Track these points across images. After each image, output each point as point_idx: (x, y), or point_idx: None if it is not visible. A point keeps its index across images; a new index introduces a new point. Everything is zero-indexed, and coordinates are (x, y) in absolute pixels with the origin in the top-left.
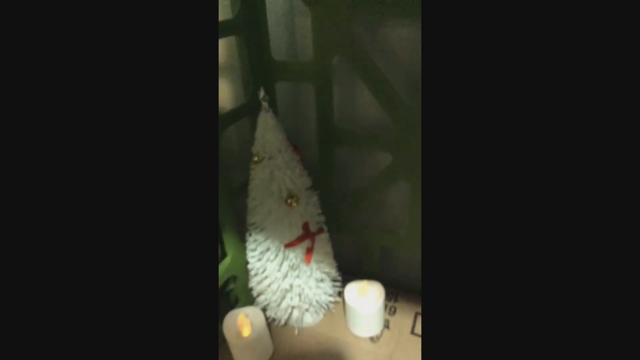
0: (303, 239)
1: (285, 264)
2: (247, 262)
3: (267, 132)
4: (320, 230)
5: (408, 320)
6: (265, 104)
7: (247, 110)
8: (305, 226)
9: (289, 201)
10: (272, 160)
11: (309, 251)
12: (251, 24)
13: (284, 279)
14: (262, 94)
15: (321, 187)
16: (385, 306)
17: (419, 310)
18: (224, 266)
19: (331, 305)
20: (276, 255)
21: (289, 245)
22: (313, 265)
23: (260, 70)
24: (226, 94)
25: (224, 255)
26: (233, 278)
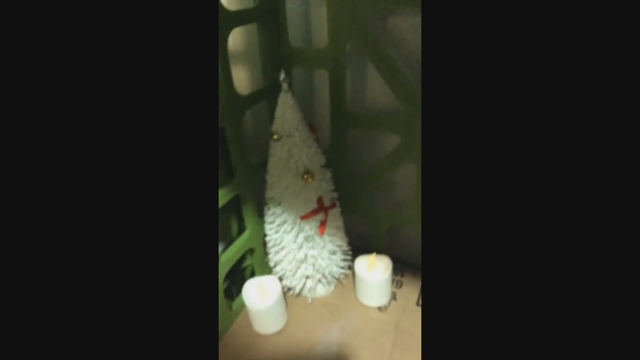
0: (317, 212)
1: (301, 236)
2: (264, 235)
3: (286, 111)
4: (333, 205)
5: (413, 293)
6: (285, 85)
7: (266, 94)
8: (320, 200)
9: (305, 177)
10: (290, 138)
11: (323, 224)
12: (271, 12)
13: (299, 249)
14: (282, 75)
15: (333, 167)
16: (393, 280)
17: None
18: (243, 239)
19: (342, 277)
20: (292, 228)
21: (304, 217)
22: (326, 237)
23: (278, 56)
24: (247, 79)
25: (243, 229)
26: (250, 251)
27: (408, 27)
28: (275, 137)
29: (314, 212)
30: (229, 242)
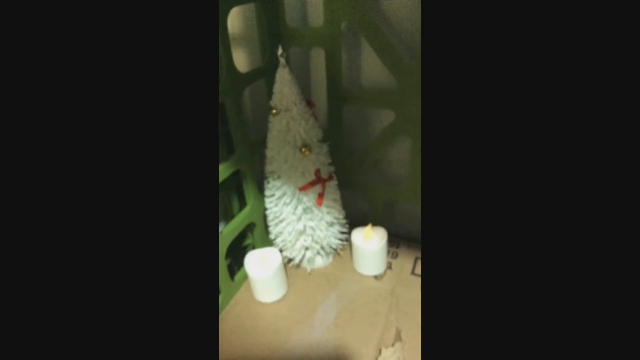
0: (315, 183)
1: (300, 208)
2: (265, 209)
3: (284, 86)
4: (330, 178)
5: (408, 263)
6: (282, 60)
7: (264, 73)
8: (317, 173)
9: (303, 150)
10: (288, 112)
11: (320, 196)
12: None
13: (298, 221)
14: (280, 51)
15: (330, 144)
16: (388, 252)
17: (419, 255)
18: (244, 214)
19: (339, 248)
20: (291, 200)
21: (302, 188)
22: (324, 209)
23: (275, 36)
24: (245, 60)
25: (245, 204)
26: (251, 226)
27: (401, 6)
28: (274, 111)
29: (312, 184)
30: (230, 218)
